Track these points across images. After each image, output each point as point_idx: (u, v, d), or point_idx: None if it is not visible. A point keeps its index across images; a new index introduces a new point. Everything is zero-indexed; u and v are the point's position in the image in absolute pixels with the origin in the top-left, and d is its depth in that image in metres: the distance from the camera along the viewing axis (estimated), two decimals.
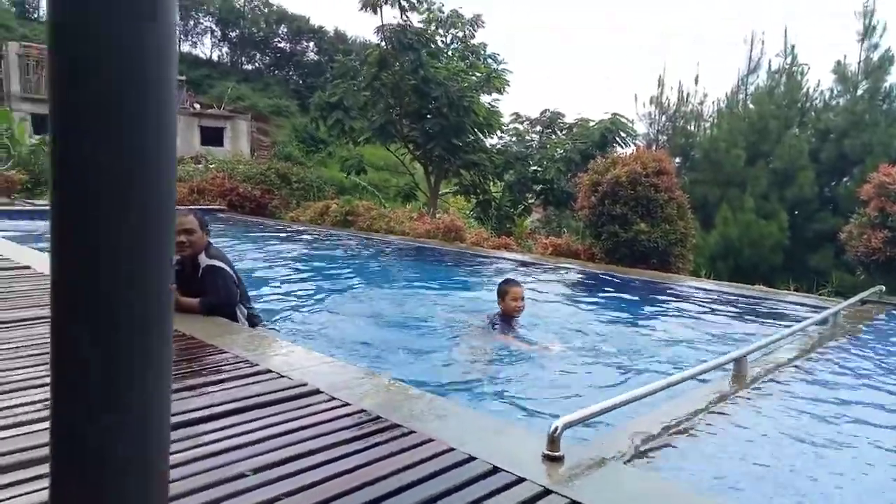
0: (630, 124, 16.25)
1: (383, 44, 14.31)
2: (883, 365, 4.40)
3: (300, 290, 6.51)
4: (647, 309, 6.53)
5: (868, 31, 16.47)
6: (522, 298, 4.88)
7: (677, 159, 18.01)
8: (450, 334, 4.97)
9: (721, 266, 15.15)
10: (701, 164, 17.00)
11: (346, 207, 12.90)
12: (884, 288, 6.35)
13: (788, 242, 15.39)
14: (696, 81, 18.76)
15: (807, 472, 2.71)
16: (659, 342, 5.23)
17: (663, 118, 18.52)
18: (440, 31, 15.95)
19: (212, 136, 27.12)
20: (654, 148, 18.15)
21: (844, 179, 16.09)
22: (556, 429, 2.35)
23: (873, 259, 7.54)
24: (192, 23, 35.65)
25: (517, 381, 3.93)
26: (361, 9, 14.15)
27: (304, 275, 7.50)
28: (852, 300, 5.70)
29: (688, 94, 18.44)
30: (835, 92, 17.04)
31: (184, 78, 29.77)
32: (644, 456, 2.59)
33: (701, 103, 18.62)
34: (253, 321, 4.38)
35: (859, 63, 16.60)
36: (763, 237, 15.31)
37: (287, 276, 7.29)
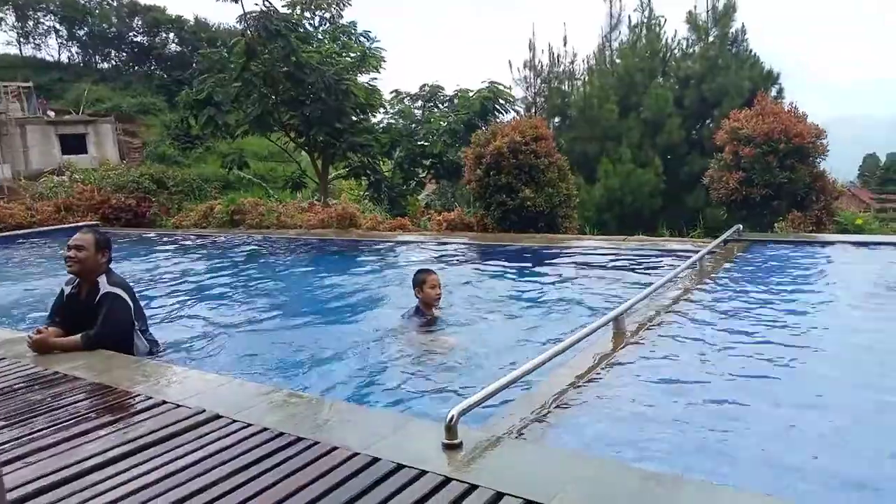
0: (508, 90, 16.64)
1: (249, 32, 13.74)
2: (742, 300, 4.91)
3: (191, 305, 6.27)
4: (538, 275, 6.85)
5: None
6: (440, 285, 4.96)
7: (556, 119, 18.71)
8: (355, 332, 5.01)
9: (607, 216, 16.05)
10: (578, 121, 17.73)
11: (231, 207, 12.44)
12: (741, 227, 7.01)
13: (665, 186, 16.50)
14: (565, 42, 19.43)
15: (686, 418, 3.00)
16: (550, 307, 5.52)
17: (538, 81, 19.08)
18: (306, 13, 15.53)
19: (73, 145, 25.11)
20: (532, 111, 18.75)
21: (707, 122, 17.35)
22: (451, 417, 2.47)
23: (732, 199, 8.29)
24: (31, 23, 32.43)
25: (418, 372, 4.05)
26: None
27: (194, 287, 7.21)
28: (714, 243, 6.26)
29: (558, 56, 19.08)
30: (690, 41, 18.18)
31: (30, 84, 27.23)
32: (537, 429, 2.78)
33: (572, 62, 19.32)
34: (152, 348, 4.26)
35: (708, 11, 17.79)
36: (642, 184, 16.30)
37: (175, 291, 6.98)
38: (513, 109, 16.70)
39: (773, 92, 16.90)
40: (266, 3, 13.63)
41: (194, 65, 18.06)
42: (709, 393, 3.20)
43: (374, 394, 3.76)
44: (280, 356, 4.51)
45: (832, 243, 6.91)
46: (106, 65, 34.35)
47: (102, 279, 4.06)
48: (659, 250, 7.35)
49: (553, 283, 6.34)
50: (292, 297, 6.60)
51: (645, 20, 18.82)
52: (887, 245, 6.67)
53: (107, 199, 13.49)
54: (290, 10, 14.71)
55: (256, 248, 10.05)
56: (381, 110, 16.60)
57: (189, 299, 6.53)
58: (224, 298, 6.60)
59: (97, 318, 3.96)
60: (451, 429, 2.46)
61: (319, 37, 15.74)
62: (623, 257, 7.25)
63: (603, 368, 3.45)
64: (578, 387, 3.23)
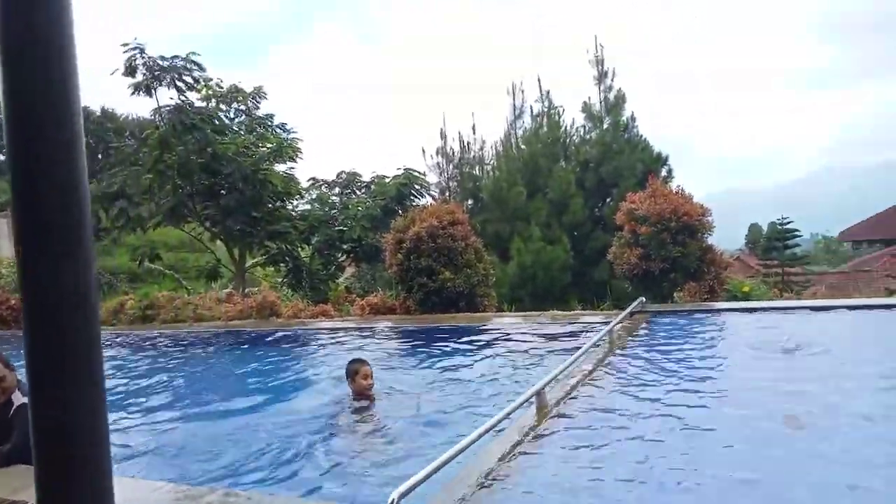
0: (422, 176, 17.34)
1: (163, 125, 13.79)
2: (648, 369, 5.34)
3: (113, 409, 6.02)
4: (463, 354, 7.09)
5: (601, 76, 19.50)
6: (371, 375, 5.07)
7: (469, 202, 19.57)
8: (288, 422, 5.00)
9: (522, 293, 16.67)
10: (489, 203, 18.64)
11: (144, 301, 12.03)
12: (644, 299, 7.62)
13: (573, 261, 17.44)
14: (474, 130, 20.59)
15: (608, 489, 3.25)
16: (477, 383, 5.75)
17: (450, 166, 20.04)
18: (222, 106, 15.78)
19: None
20: (447, 194, 19.54)
21: (607, 200, 18.68)
22: (392, 501, 2.60)
23: (634, 273, 8.99)
24: None
25: (355, 457, 4.12)
26: (134, 93, 13.56)
27: (114, 390, 6.92)
28: (621, 316, 6.77)
29: (468, 143, 20.23)
30: (587, 128, 19.80)
31: None
32: None
33: (481, 149, 20.52)
34: None
35: (601, 101, 19.53)
36: (552, 260, 17.15)
37: None
38: (428, 194, 17.38)
39: (664, 172, 18.58)
40: (181, 97, 13.83)
41: (100, 156, 17.75)
42: (628, 459, 3.48)
43: (312, 482, 3.79)
44: (207, 455, 4.44)
45: (724, 310, 7.62)
46: (2, 156, 32.92)
47: (16, 392, 3.94)
48: (573, 323, 7.81)
49: (478, 360, 6.59)
50: (214, 392, 6.47)
51: (545, 110, 20.42)
52: (769, 310, 7.44)
53: (6, 300, 12.67)
54: (205, 104, 14.91)
55: (174, 344, 9.74)
56: (299, 197, 16.84)
57: (113, 402, 6.25)
58: (144, 397, 6.38)
59: (11, 433, 3.81)
60: None
61: (235, 128, 15.96)
62: (541, 332, 7.65)
63: (529, 442, 3.68)
64: (507, 462, 3.42)
